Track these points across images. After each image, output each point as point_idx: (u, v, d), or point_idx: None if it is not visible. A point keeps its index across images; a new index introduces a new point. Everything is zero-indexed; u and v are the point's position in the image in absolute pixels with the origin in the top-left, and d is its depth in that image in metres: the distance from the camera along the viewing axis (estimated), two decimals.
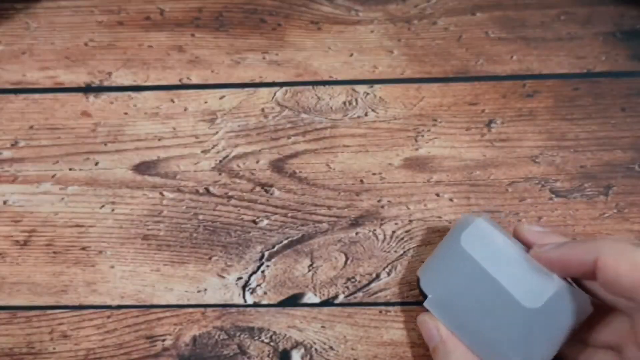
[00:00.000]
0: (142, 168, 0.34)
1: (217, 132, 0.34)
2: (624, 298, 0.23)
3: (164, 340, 0.32)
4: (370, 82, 0.35)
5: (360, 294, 0.32)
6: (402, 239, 0.32)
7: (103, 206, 0.34)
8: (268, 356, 0.31)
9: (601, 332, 0.26)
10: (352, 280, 0.32)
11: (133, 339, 0.32)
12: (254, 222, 0.33)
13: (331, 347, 0.31)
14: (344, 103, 0.34)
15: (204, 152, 0.34)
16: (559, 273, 0.25)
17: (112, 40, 0.36)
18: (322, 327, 0.32)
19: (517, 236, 0.28)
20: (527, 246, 0.27)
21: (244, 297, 0.32)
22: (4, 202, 0.34)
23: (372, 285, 0.32)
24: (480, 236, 0.26)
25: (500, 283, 0.24)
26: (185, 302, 0.32)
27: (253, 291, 0.32)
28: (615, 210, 0.32)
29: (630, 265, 0.22)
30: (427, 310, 0.28)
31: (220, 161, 0.34)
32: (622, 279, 0.22)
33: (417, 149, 0.34)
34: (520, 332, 0.24)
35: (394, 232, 0.33)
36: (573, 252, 0.24)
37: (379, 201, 0.33)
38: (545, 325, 0.24)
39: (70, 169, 0.34)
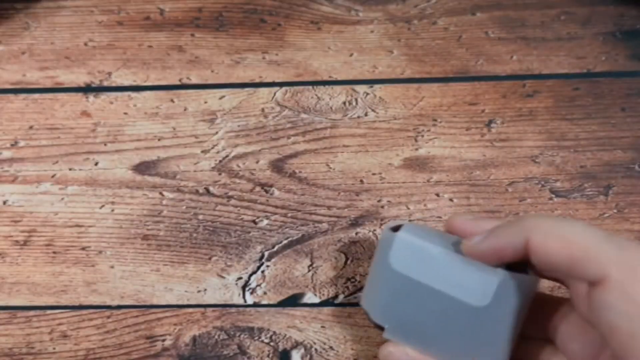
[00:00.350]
0: (142, 168, 0.34)
1: (217, 132, 0.34)
2: (560, 276, 0.23)
3: (163, 340, 0.32)
4: (370, 82, 0.35)
5: (360, 294, 0.32)
6: None
7: (103, 206, 0.34)
8: (268, 356, 0.31)
9: (531, 325, 0.26)
10: (352, 280, 0.32)
11: (133, 339, 0.32)
12: (254, 222, 0.33)
13: (331, 347, 0.31)
14: (344, 103, 0.34)
15: (203, 152, 0.34)
16: (494, 263, 0.24)
17: (112, 40, 0.36)
18: (322, 327, 0.32)
19: (451, 231, 0.26)
20: (464, 237, 0.26)
21: (243, 297, 0.32)
22: (4, 202, 0.34)
23: None
24: (408, 251, 0.24)
25: (445, 293, 0.24)
26: (185, 302, 0.32)
27: (253, 291, 0.32)
28: (615, 210, 0.32)
29: (559, 242, 0.21)
30: (386, 341, 0.26)
31: (220, 161, 0.34)
32: (552, 258, 0.22)
33: (417, 149, 0.34)
34: (482, 333, 0.24)
35: None
36: (502, 239, 0.23)
37: (379, 201, 0.33)
38: (501, 318, 0.24)
39: (70, 169, 0.34)
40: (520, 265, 0.25)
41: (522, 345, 0.26)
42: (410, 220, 0.33)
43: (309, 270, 0.32)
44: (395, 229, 0.25)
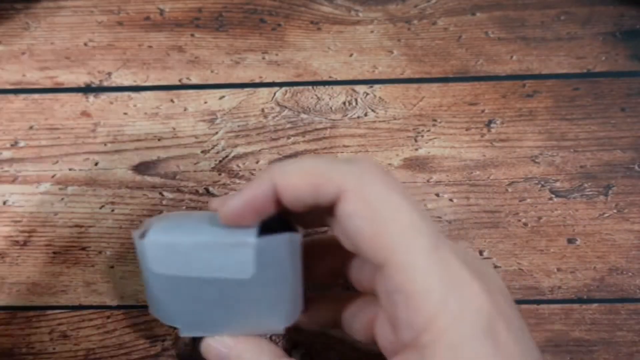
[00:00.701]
0: (142, 168, 0.34)
1: (216, 132, 0.34)
2: (313, 210, 0.23)
3: (163, 340, 0.32)
4: (370, 82, 0.35)
5: None
6: None
7: (103, 206, 0.34)
8: None
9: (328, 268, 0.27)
10: None
11: (133, 339, 0.32)
12: None
13: (332, 348, 0.31)
14: (344, 103, 0.34)
15: (203, 152, 0.34)
16: (254, 219, 0.23)
17: (112, 41, 0.36)
18: None
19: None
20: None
21: None
22: (4, 202, 0.34)
23: None
24: (162, 252, 0.24)
25: (212, 278, 0.23)
26: None
27: None
28: (615, 210, 0.32)
29: (298, 176, 0.22)
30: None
31: (220, 161, 0.34)
32: (297, 193, 0.22)
33: (416, 149, 0.34)
34: (265, 299, 0.24)
35: None
36: (250, 191, 0.23)
37: None
38: (276, 279, 0.24)
39: (70, 169, 0.34)
40: (287, 223, 0.25)
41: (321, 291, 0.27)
42: None
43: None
44: (144, 233, 0.24)
